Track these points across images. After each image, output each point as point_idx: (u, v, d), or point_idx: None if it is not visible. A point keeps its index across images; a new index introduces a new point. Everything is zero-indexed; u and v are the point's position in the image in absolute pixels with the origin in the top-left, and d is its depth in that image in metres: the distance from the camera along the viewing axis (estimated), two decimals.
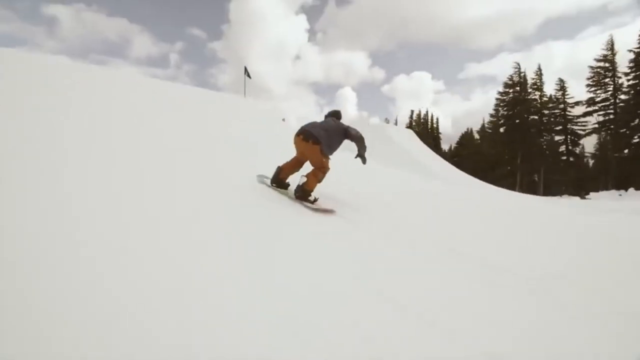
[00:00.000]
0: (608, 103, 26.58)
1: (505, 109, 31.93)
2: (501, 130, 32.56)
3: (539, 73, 29.85)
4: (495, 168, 31.55)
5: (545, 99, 29.49)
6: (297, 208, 3.08)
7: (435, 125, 49.24)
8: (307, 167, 3.51)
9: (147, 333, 1.06)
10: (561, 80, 30.11)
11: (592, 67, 27.32)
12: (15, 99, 4.16)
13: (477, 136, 48.35)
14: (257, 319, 1.26)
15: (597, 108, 27.41)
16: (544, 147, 29.17)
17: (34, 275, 1.19)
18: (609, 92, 26.61)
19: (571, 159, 29.35)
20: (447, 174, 18.25)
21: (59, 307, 1.07)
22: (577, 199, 16.53)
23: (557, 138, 29.60)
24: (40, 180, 2.04)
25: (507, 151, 30.18)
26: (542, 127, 29.27)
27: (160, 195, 2.41)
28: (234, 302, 1.34)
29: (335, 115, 3.76)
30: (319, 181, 3.43)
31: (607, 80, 26.61)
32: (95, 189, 2.17)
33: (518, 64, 31.02)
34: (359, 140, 3.44)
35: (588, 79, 27.70)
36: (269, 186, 3.59)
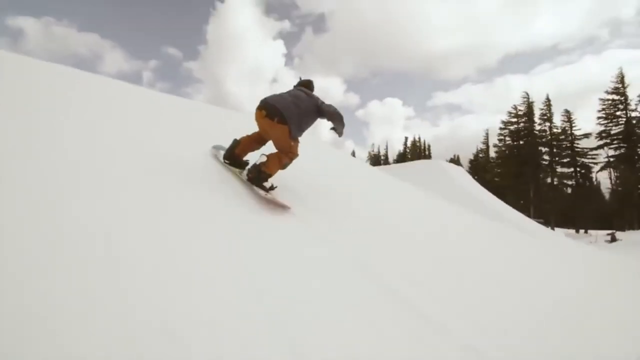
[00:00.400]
0: (621, 136, 25.75)
1: (512, 139, 30.69)
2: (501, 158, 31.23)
3: (548, 104, 28.94)
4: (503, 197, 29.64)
5: (556, 130, 28.42)
6: (240, 195, 2.49)
7: (428, 152, 47.94)
8: (270, 146, 2.86)
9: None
10: (567, 112, 29.34)
11: (602, 100, 26.65)
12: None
13: (465, 162, 47.31)
14: None
15: (608, 141, 26.53)
16: (557, 180, 27.72)
17: (34, 273, 1.17)
18: (621, 125, 25.86)
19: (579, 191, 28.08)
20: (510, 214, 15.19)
21: (61, 306, 1.06)
22: (602, 235, 14.86)
23: (566, 171, 28.47)
24: (37, 180, 1.79)
25: (517, 184, 28.51)
26: (555, 160, 27.97)
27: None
28: None
29: (307, 86, 3.04)
30: (283, 167, 2.76)
31: (618, 113, 25.91)
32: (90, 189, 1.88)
33: (527, 94, 30.08)
34: (335, 117, 2.74)
35: (599, 111, 26.96)
36: (220, 162, 2.95)
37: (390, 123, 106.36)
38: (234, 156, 2.90)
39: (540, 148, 28.99)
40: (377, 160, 52.11)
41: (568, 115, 29.09)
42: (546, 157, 29.03)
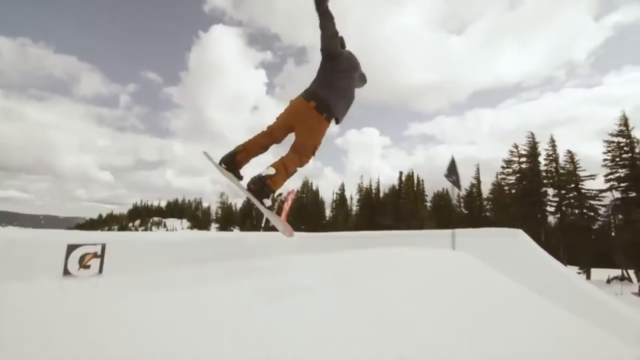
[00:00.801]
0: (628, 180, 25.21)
1: (519, 179, 29.78)
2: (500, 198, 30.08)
3: (553, 144, 28.49)
4: None
5: (563, 171, 27.71)
6: None
7: (421, 187, 46.66)
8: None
9: None
10: (569, 152, 28.93)
11: (607, 142, 26.33)
12: None
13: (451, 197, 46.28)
14: None
15: (615, 184, 25.93)
16: (569, 223, 26.55)
17: None
18: (627, 168, 25.41)
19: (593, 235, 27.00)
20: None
21: None
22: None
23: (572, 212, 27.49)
24: None
25: (530, 225, 27.16)
26: (565, 202, 27.01)
27: None
28: None
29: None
30: (289, 176, 2.54)
31: (625, 155, 25.55)
32: None
33: (532, 134, 29.63)
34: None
35: (604, 153, 26.54)
36: (215, 165, 2.63)
37: (368, 151, 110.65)
38: (234, 163, 2.60)
39: (545, 189, 28.14)
40: (368, 196, 50.21)
41: (571, 156, 28.65)
42: (553, 198, 28.13)
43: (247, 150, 2.62)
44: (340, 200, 58.50)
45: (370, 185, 52.26)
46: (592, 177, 27.55)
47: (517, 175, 29.68)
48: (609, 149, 26.35)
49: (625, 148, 25.60)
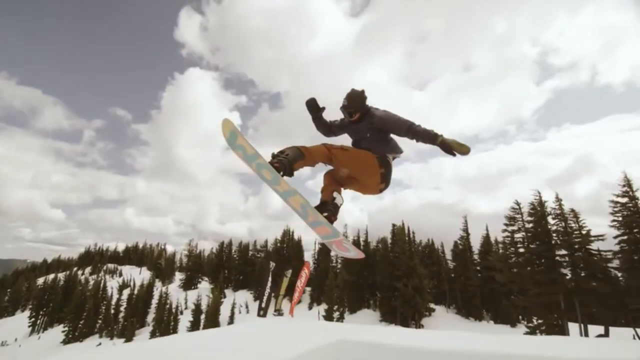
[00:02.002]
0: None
1: (523, 239, 28.34)
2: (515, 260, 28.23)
3: (560, 203, 27.73)
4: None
5: (574, 231, 26.62)
6: None
7: (412, 239, 44.38)
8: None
9: None
10: (573, 210, 28.17)
11: (614, 203, 25.83)
12: None
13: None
14: None
15: (625, 246, 24.98)
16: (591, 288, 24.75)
17: None
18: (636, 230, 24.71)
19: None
20: None
21: None
22: None
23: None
24: None
25: (548, 291, 25.03)
26: (581, 265, 25.48)
27: None
28: None
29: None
30: None
31: (636, 217, 24.98)
32: None
33: (539, 192, 28.86)
34: None
35: (611, 213, 25.90)
36: (251, 155, 2.51)
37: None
38: (290, 167, 2.46)
39: (556, 251, 26.70)
40: (357, 246, 46.97)
41: (576, 214, 27.84)
42: (561, 259, 26.63)
43: (306, 160, 2.57)
44: (325, 250, 54.65)
45: (358, 237, 49.31)
46: (600, 237, 26.61)
47: (528, 234, 28.29)
48: (615, 209, 25.83)
49: (632, 209, 25.14)
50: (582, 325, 24.20)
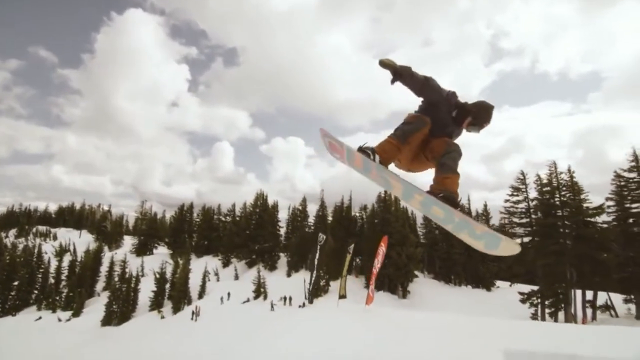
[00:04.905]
0: None
1: (527, 209, 28.14)
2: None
3: (571, 175, 27.54)
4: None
5: (587, 204, 26.75)
6: None
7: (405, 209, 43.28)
8: None
9: None
10: (577, 184, 28.43)
11: (620, 176, 26.28)
12: None
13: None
14: None
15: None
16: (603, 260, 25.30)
17: None
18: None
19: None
20: None
21: None
22: None
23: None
24: None
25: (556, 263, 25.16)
26: (596, 237, 25.83)
27: None
28: None
29: None
30: None
31: (638, 192, 25.65)
32: None
33: (554, 163, 28.26)
34: None
35: (613, 183, 26.45)
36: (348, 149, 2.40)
37: (292, 160, 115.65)
38: (383, 160, 2.37)
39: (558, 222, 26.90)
40: (341, 215, 44.84)
41: (579, 189, 28.07)
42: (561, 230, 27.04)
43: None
44: (303, 217, 51.84)
45: (342, 203, 47.06)
46: (599, 208, 27.29)
47: (534, 204, 28.20)
48: (622, 183, 26.37)
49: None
50: (584, 293, 25.14)
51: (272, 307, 32.53)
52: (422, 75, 2.49)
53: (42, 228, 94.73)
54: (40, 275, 50.61)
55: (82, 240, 77.12)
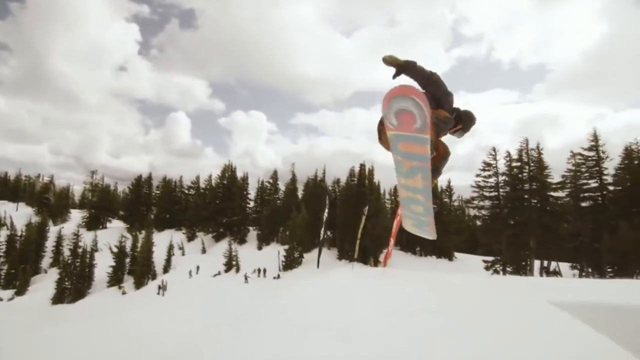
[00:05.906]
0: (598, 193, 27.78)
1: (496, 184, 29.65)
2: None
3: (539, 151, 29.16)
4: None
5: (550, 179, 28.67)
6: None
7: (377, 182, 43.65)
8: None
9: None
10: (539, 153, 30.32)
11: (581, 155, 28.40)
12: None
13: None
14: None
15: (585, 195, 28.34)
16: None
17: None
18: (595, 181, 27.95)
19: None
20: None
21: None
22: None
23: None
24: None
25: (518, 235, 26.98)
26: (557, 209, 27.87)
27: None
28: None
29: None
30: None
31: (595, 169, 27.96)
32: None
33: (526, 139, 29.58)
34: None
35: (569, 162, 28.69)
36: None
37: (254, 135, 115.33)
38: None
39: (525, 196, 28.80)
40: (314, 187, 44.13)
41: (543, 165, 30.02)
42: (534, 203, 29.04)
43: None
44: (274, 190, 50.56)
45: (316, 176, 46.40)
46: (561, 184, 29.55)
47: (504, 179, 29.74)
48: (580, 160, 28.60)
49: (595, 161, 28.10)
50: (542, 261, 27.50)
51: (246, 279, 31.74)
52: (428, 70, 2.56)
53: None
54: None
55: (19, 214, 68.93)
